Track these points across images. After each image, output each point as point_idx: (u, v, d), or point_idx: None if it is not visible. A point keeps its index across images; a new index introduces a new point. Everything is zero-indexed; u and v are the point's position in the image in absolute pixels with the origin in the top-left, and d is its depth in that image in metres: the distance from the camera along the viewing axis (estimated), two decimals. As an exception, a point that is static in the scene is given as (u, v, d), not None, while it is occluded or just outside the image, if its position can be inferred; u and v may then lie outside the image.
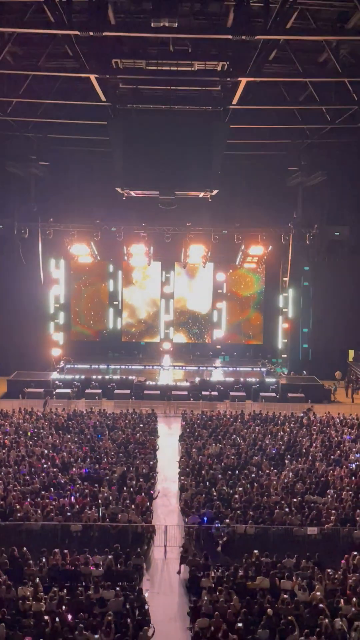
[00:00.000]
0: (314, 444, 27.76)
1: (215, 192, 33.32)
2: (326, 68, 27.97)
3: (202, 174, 31.40)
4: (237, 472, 24.36)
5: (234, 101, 28.65)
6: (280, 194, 43.92)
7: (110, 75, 27.37)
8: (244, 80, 26.04)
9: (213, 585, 16.60)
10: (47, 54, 26.53)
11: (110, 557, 17.76)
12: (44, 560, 17.54)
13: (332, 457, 26.18)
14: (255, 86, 29.40)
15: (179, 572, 18.58)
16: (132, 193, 34.70)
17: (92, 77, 26.17)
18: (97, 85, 27.13)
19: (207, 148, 31.17)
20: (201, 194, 34.64)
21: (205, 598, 15.89)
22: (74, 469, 24.38)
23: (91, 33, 20.69)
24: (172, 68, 27.33)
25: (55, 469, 24.17)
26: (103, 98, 28.94)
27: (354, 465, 25.13)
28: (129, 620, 14.79)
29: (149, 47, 26.83)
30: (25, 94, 29.84)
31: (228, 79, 26.79)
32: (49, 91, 31.07)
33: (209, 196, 34.80)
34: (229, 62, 26.30)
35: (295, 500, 21.81)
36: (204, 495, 21.92)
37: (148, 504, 21.81)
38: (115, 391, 37.90)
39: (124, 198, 35.74)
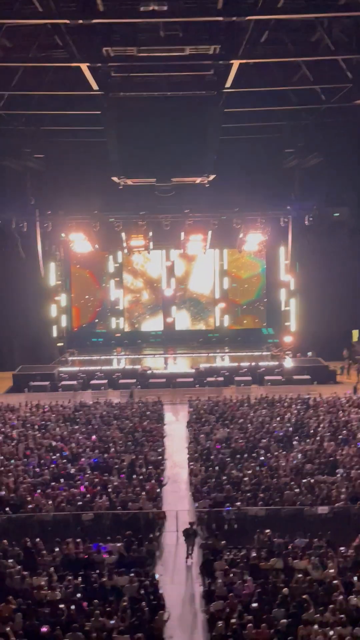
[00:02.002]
0: (321, 425, 27.79)
1: (212, 177, 33.24)
2: (319, 47, 27.73)
3: (199, 159, 31.35)
4: (245, 455, 24.42)
5: (227, 84, 28.48)
6: (278, 176, 43.69)
7: (101, 64, 27.20)
8: (236, 63, 25.87)
9: (227, 567, 16.68)
10: (37, 45, 26.35)
11: (119, 545, 17.85)
12: (57, 549, 17.63)
13: (339, 436, 26.21)
14: (248, 69, 29.20)
15: (188, 558, 18.64)
16: (129, 182, 34.61)
17: (84, 66, 26.03)
18: (88, 74, 26.98)
19: (203, 133, 31.10)
20: (198, 180, 34.56)
21: (220, 580, 15.98)
22: (82, 459, 24.46)
23: (80, 21, 20.58)
24: (163, 54, 27.14)
25: (64, 460, 24.26)
26: (95, 87, 28.77)
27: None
28: (143, 604, 14.88)
29: (140, 33, 26.64)
30: (17, 87, 29.67)
31: (220, 62, 26.63)
32: (40, 83, 30.86)
33: (206, 182, 34.71)
34: (220, 45, 26.09)
35: (304, 480, 21.86)
36: (213, 480, 21.99)
37: (158, 490, 21.89)
38: (120, 381, 37.95)
39: (121, 187, 35.67)
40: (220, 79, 29.23)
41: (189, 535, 18.72)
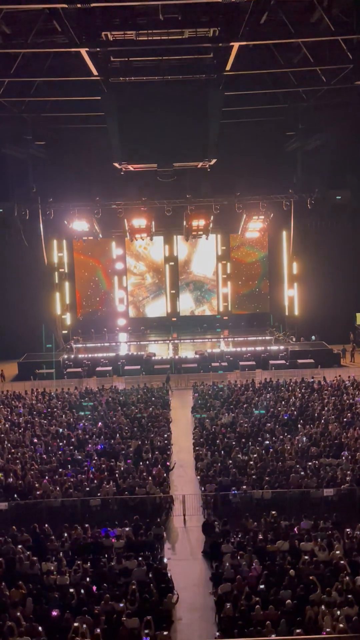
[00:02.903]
0: (326, 408, 27.87)
1: (213, 161, 33.05)
2: (319, 28, 27.48)
3: (200, 143, 31.21)
4: (251, 439, 24.53)
5: (227, 67, 28.26)
6: (280, 160, 43.50)
7: (100, 49, 27.01)
8: (236, 45, 25.65)
9: (234, 550, 16.82)
10: (36, 31, 26.17)
11: (127, 529, 18.00)
12: (65, 535, 17.80)
13: (344, 419, 26.30)
14: (248, 51, 28.96)
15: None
16: (130, 167, 34.48)
17: (83, 51, 25.84)
18: (88, 59, 26.81)
19: (203, 117, 30.89)
20: (200, 164, 34.38)
21: (227, 563, 16.12)
22: (89, 445, 24.61)
23: (79, 5, 20.43)
24: (162, 37, 26.91)
25: (71, 447, 24.41)
26: (95, 72, 28.60)
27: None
28: (152, 587, 15.04)
29: (138, 17, 26.43)
30: (16, 73, 29.52)
31: (220, 44, 26.38)
32: (40, 69, 30.72)
33: (207, 166, 34.54)
34: (220, 28, 25.87)
35: (310, 463, 21.98)
36: (219, 464, 22.12)
37: (165, 475, 22.04)
38: (125, 367, 38.07)
39: (122, 173, 35.52)
40: (220, 62, 29.03)
41: (208, 527, 18.70)
